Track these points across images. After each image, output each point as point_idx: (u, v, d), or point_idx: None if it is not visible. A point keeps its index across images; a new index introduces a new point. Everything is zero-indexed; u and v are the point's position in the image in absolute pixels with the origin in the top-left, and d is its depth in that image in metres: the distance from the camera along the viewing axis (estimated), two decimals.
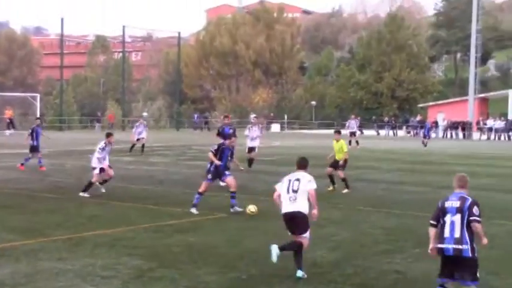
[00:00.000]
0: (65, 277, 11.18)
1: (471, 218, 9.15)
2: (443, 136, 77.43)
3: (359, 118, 70.01)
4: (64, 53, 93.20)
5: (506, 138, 72.32)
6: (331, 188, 23.01)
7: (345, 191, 22.71)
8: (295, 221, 11.55)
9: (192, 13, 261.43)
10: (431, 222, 9.48)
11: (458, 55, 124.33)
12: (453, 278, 9.28)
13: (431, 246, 9.44)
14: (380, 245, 14.20)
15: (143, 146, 40.64)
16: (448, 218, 9.25)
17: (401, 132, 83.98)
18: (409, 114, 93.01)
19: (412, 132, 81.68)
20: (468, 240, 9.11)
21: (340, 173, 22.99)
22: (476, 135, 75.99)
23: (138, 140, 40.78)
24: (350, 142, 51.68)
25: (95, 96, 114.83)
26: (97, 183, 21.48)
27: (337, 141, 23.37)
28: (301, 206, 11.56)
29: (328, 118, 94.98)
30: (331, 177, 23.15)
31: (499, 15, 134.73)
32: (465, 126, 76.63)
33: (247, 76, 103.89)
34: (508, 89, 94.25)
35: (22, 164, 29.68)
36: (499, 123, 76.72)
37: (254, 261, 12.50)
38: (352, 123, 59.11)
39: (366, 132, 78.65)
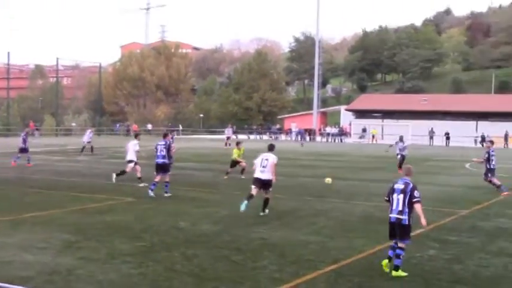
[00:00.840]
0: (9, 249, 10.69)
1: (414, 200, 9.46)
2: (295, 139, 78.64)
3: (234, 126, 70.36)
4: (10, 78, 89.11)
5: (339, 141, 74.27)
6: (226, 177, 23.58)
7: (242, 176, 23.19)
8: (266, 184, 14.55)
9: (110, 48, 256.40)
10: (385, 198, 9.89)
11: (306, 81, 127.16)
12: (396, 238, 9.57)
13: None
14: (250, 219, 14.28)
15: (92, 147, 39.83)
16: (395, 196, 9.61)
17: (265, 137, 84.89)
18: (271, 124, 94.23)
19: (273, 137, 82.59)
20: (407, 213, 9.44)
21: (243, 164, 23.67)
22: (318, 138, 77.73)
23: (88, 143, 39.75)
24: (226, 144, 52.19)
25: (34, 111, 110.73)
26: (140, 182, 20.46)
27: (239, 149, 24.43)
28: (269, 175, 14.51)
29: (212, 127, 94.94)
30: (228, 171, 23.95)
31: (334, 52, 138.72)
32: (311, 132, 78.25)
33: (152, 96, 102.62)
34: (340, 105, 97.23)
35: (14, 161, 28.86)
36: (334, 130, 78.94)
37: (156, 233, 12.34)
38: (229, 130, 59.61)
39: (240, 136, 79.08)
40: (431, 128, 69.33)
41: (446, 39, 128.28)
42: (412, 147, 45.27)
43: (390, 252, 9.61)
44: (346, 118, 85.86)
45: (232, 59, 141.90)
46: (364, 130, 78.73)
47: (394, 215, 9.55)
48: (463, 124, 72.53)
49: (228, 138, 55.29)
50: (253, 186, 14.77)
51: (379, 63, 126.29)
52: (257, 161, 14.83)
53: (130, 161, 21.17)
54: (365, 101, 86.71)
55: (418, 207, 9.49)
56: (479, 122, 73.15)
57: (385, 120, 79.62)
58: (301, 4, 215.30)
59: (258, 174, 14.65)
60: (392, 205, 9.65)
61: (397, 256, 9.44)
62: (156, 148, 18.32)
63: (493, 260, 10.46)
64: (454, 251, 10.02)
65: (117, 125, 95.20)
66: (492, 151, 21.16)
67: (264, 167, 14.57)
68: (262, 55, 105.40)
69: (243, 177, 23.10)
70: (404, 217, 9.45)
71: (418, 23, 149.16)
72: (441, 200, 18.21)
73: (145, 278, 8.99)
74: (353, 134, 79.76)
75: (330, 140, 75.77)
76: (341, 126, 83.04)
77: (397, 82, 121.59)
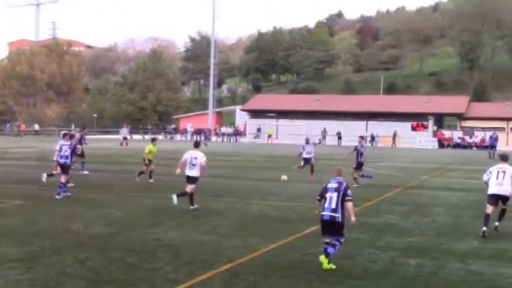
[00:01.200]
0: None
1: (346, 198, 9.82)
2: (190, 139, 78.25)
3: (129, 126, 69.15)
4: None
5: (234, 141, 74.83)
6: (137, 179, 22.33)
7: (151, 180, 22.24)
8: (192, 179, 15.70)
9: None
10: (318, 197, 10.21)
11: (201, 81, 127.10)
12: (329, 235, 9.84)
13: (317, 212, 10.21)
14: (145, 220, 14.08)
15: None
16: (328, 195, 9.91)
17: (160, 137, 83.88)
18: (167, 124, 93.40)
19: (168, 136, 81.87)
20: (340, 211, 9.76)
21: (152, 167, 22.77)
22: (214, 138, 77.90)
23: None
24: (121, 144, 51.24)
25: None
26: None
27: (154, 145, 22.89)
28: (197, 172, 15.71)
29: (106, 127, 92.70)
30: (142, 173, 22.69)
31: (229, 53, 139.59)
32: (205, 132, 78.19)
33: (42, 95, 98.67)
34: (235, 105, 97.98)
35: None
36: (229, 130, 79.42)
37: (47, 237, 11.88)
38: (125, 130, 58.46)
39: (135, 136, 77.85)
40: (324, 128, 71.42)
41: (339, 41, 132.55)
42: None
43: (326, 247, 9.77)
44: (241, 118, 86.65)
45: (126, 58, 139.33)
46: (259, 130, 79.83)
47: (327, 213, 9.83)
48: (354, 124, 75.25)
49: (125, 138, 54.43)
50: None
51: (273, 64, 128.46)
52: (186, 157, 15.89)
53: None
54: (260, 101, 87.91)
55: (349, 205, 9.87)
56: (370, 122, 76.20)
57: (279, 120, 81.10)
58: (197, 3, 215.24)
59: (189, 171, 15.84)
60: (325, 203, 9.93)
61: (333, 246, 9.77)
62: (61, 148, 17.97)
63: (381, 255, 10.92)
64: (345, 247, 10.36)
65: (7, 125, 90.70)
66: (362, 146, 22.39)
67: (194, 165, 15.77)
68: (157, 54, 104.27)
69: (151, 180, 22.21)
70: (338, 215, 9.78)
71: (312, 25, 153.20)
72: None
73: (35, 284, 8.64)
74: (248, 133, 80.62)
75: (225, 139, 76.18)
76: (236, 126, 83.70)
77: (291, 82, 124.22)
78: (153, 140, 23.49)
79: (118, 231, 12.71)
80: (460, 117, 74.98)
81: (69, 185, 18.80)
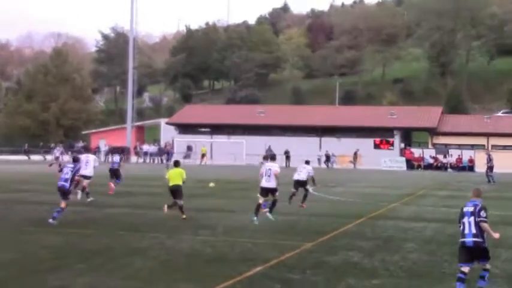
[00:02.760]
0: None
1: (478, 219, 11.08)
2: (104, 160, 77.20)
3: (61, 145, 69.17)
4: None
5: (159, 161, 74.18)
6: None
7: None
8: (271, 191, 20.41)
9: None
10: (459, 225, 11.46)
11: (118, 88, 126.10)
12: (472, 262, 11.16)
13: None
14: (46, 262, 13.60)
15: None
16: (465, 220, 11.20)
17: (66, 157, 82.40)
18: (73, 140, 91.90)
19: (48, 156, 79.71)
20: (481, 235, 11.11)
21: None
22: (134, 158, 77.04)
23: None
24: (51, 165, 50.46)
25: None
26: None
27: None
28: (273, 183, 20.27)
29: None
30: None
31: (152, 54, 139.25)
32: (124, 151, 77.29)
33: None
34: (160, 118, 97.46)
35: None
36: (153, 148, 78.79)
37: None
38: (59, 150, 61.37)
39: (34, 157, 76.29)
40: (269, 146, 71.71)
41: (285, 40, 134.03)
42: (247, 168, 46.53)
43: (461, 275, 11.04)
44: (167, 133, 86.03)
45: (22, 59, 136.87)
46: (189, 148, 79.43)
47: (470, 239, 11.04)
48: (304, 141, 75.86)
49: (57, 158, 56.83)
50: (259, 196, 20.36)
51: (206, 68, 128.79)
52: (263, 169, 20.63)
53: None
54: (190, 113, 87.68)
55: (484, 226, 11.08)
56: (324, 139, 77.01)
57: (214, 136, 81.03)
58: None
59: (264, 183, 20.30)
60: (464, 230, 11.18)
61: (482, 278, 11.20)
62: (62, 170, 20.57)
63: None
64: None
65: None
66: (269, 169, 20.89)
67: (269, 176, 20.23)
68: (61, 55, 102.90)
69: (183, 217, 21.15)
70: (481, 239, 11.06)
71: (252, 21, 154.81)
72: (282, 231, 18.72)
73: None
74: (176, 152, 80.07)
75: (148, 160, 75.44)
76: (166, 143, 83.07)
77: (228, 90, 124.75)
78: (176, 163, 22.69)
79: (11, 277, 12.22)
80: (432, 132, 76.68)
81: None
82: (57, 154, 63.20)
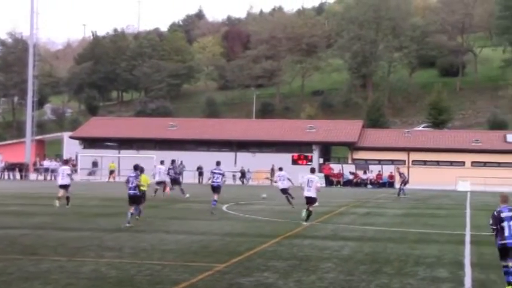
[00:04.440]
0: None
1: None
2: (0, 177, 75.34)
3: None
4: None
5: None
6: None
7: None
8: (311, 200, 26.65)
9: None
10: (493, 227, 13.96)
11: (16, 98, 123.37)
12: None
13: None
14: None
15: None
16: (505, 224, 13.69)
17: None
18: None
19: None
20: None
21: None
22: (33, 176, 75.46)
23: None
24: None
25: None
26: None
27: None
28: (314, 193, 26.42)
29: None
30: None
31: (55, 62, 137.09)
32: (22, 168, 75.65)
33: None
34: (63, 131, 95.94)
35: None
36: (55, 164, 77.29)
37: None
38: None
39: None
40: (181, 161, 71.47)
41: (199, 49, 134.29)
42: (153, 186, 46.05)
43: (509, 278, 13.61)
44: (71, 148, 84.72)
45: None
46: (95, 164, 78.37)
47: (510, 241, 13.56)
48: (219, 156, 75.66)
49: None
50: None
51: (114, 78, 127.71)
52: (303, 182, 27.18)
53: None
54: (96, 126, 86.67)
55: None
56: (239, 153, 77.36)
57: (122, 151, 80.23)
58: None
59: (306, 192, 26.74)
60: (504, 232, 13.64)
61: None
62: (128, 180, 25.21)
63: None
64: None
65: None
66: (311, 180, 27.25)
67: (309, 186, 26.53)
68: None
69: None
70: None
71: (164, 28, 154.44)
72: (193, 251, 18.73)
73: None
74: (80, 169, 78.88)
75: (49, 177, 74.07)
76: (66, 158, 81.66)
77: (137, 102, 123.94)
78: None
79: None
80: (352, 146, 78.09)
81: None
82: None
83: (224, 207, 34.54)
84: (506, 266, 13.66)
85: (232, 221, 27.69)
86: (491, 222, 13.93)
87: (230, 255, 18.05)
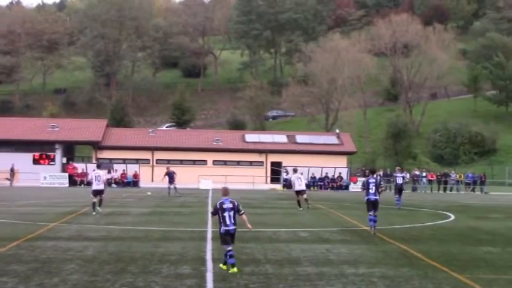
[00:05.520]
0: None
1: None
2: None
3: None
4: None
5: None
6: None
7: None
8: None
9: None
10: (213, 214, 16.84)
11: None
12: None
13: None
14: None
15: None
16: (226, 214, 16.36)
17: None
18: None
19: None
20: None
21: None
22: None
23: None
24: None
25: None
26: None
27: None
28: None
29: None
30: None
31: None
32: None
33: None
34: None
35: None
36: None
37: None
38: None
39: None
40: None
41: None
42: None
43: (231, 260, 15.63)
44: None
45: None
46: None
47: None
48: None
49: None
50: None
51: None
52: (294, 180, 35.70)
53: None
54: None
55: None
56: None
57: None
58: None
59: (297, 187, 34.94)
60: (226, 220, 16.21)
61: None
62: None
63: None
64: None
65: None
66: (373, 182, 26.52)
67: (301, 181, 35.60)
68: None
69: None
70: None
71: None
72: None
73: None
74: None
75: None
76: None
77: None
78: None
79: None
80: (96, 146, 77.21)
81: None
82: None
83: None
84: (230, 251, 15.98)
85: None
86: (212, 211, 16.92)
87: None
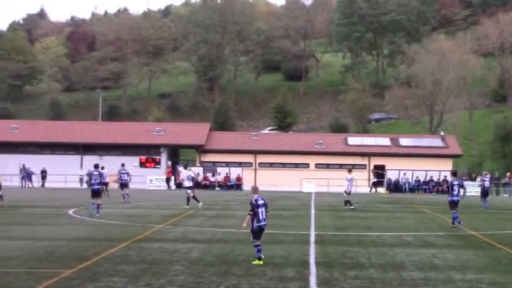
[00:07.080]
0: None
1: None
2: None
3: None
4: None
5: None
6: None
7: None
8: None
9: None
10: (250, 212, 17.17)
11: None
12: None
13: None
14: None
15: None
16: (259, 210, 17.47)
17: None
18: None
19: None
20: None
21: None
22: None
23: None
24: None
25: None
26: None
27: None
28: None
29: None
30: None
31: None
32: None
33: None
34: None
35: None
36: None
37: None
38: None
39: None
40: (23, 165, 69.30)
41: (42, 50, 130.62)
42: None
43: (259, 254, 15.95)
44: None
45: None
46: None
47: None
48: (64, 159, 74.24)
49: None
50: None
51: None
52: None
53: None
54: None
55: None
56: (86, 157, 75.59)
57: None
58: None
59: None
60: (259, 216, 17.16)
61: None
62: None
63: None
64: None
65: None
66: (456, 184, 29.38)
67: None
68: None
69: None
70: None
71: (4, 27, 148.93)
72: (39, 258, 18.16)
73: None
74: None
75: None
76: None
77: None
78: None
79: None
80: (200, 149, 78.36)
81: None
82: None
83: (71, 212, 33.79)
84: (258, 245, 17.35)
85: (79, 226, 27.10)
86: (250, 208, 17.42)
87: (77, 260, 17.66)
